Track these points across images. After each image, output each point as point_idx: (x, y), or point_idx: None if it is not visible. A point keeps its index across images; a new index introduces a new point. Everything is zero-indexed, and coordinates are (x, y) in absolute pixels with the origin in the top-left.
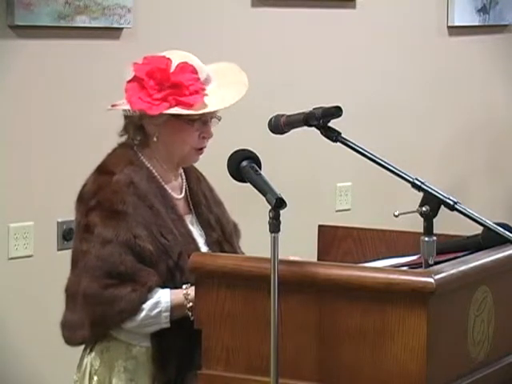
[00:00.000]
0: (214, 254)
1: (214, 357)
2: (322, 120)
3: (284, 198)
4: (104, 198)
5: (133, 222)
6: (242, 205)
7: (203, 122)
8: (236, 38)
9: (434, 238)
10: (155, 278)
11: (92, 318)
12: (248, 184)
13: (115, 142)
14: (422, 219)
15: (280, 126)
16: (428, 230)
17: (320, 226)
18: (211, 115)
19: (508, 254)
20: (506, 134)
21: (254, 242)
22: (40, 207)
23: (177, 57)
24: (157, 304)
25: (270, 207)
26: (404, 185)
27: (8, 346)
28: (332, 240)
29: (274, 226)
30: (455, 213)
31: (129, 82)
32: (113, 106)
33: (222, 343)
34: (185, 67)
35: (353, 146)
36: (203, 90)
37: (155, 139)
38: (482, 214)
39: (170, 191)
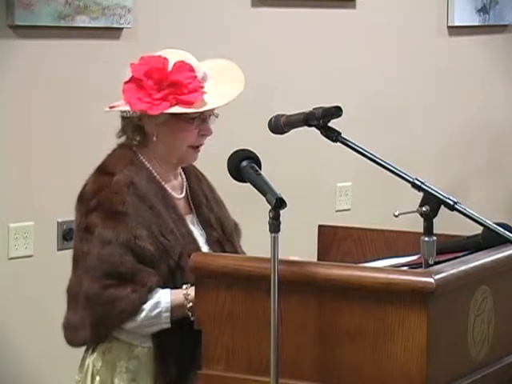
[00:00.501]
0: (214, 254)
1: (214, 357)
2: (322, 120)
3: (284, 198)
4: (104, 199)
5: (133, 222)
6: (242, 205)
7: (202, 119)
8: (236, 38)
9: (434, 238)
10: (155, 279)
11: (92, 319)
12: (248, 184)
13: (115, 142)
14: (421, 219)
15: (280, 125)
16: (428, 230)
17: (320, 226)
18: (210, 113)
19: (508, 254)
20: (505, 134)
21: (254, 242)
22: (40, 207)
23: (173, 56)
24: (157, 304)
25: (270, 207)
26: (404, 185)
27: (8, 346)
28: (332, 240)
29: (274, 226)
30: (455, 213)
31: (126, 82)
32: (111, 107)
33: (222, 343)
34: (182, 66)
35: (353, 145)
36: (202, 87)
37: (155, 139)
38: (482, 214)
39: (170, 191)
